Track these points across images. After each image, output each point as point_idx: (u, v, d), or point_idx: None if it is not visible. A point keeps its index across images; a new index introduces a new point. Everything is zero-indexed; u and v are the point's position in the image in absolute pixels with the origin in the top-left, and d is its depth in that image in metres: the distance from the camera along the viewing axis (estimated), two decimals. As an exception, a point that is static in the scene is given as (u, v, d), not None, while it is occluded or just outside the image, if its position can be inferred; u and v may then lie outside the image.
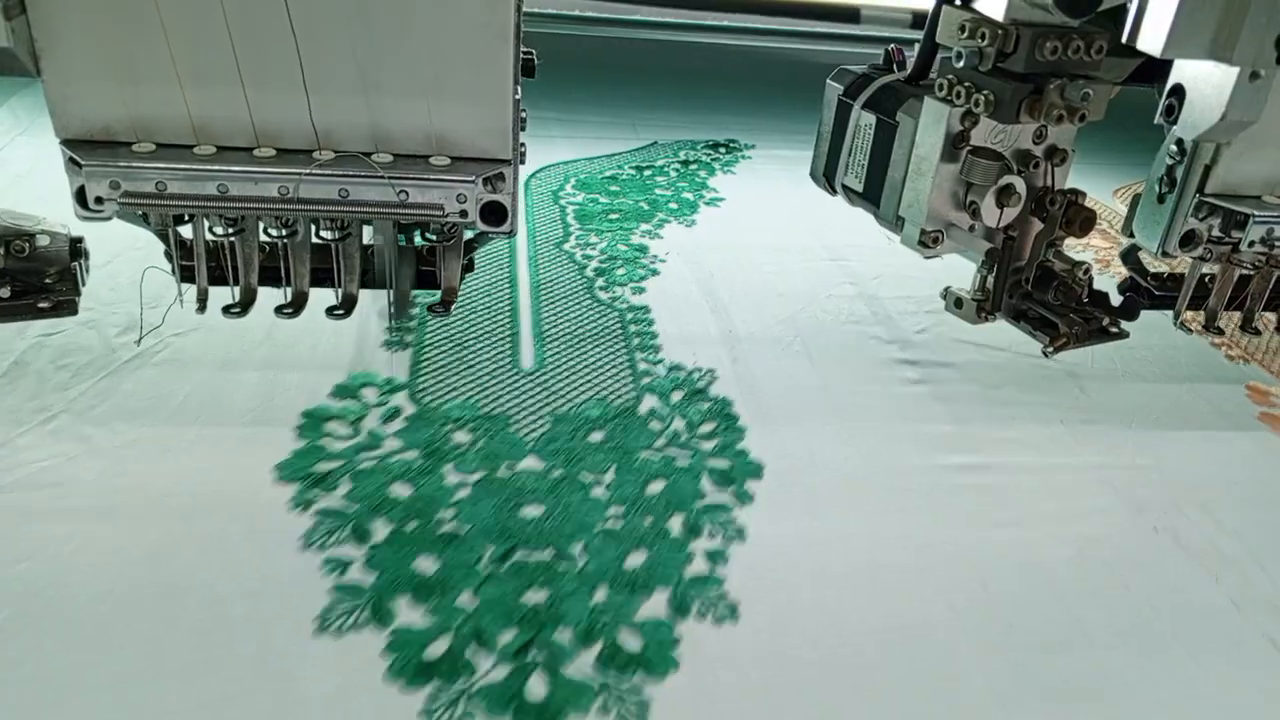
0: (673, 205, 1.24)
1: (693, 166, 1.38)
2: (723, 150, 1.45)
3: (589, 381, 0.85)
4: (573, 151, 1.40)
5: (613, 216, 1.19)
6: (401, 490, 0.69)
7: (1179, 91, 0.70)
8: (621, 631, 0.59)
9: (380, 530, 0.65)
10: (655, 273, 1.06)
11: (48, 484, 0.67)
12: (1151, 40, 0.64)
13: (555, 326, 0.93)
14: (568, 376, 0.85)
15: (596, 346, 0.90)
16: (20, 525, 0.63)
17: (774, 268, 1.10)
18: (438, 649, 0.56)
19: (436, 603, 0.59)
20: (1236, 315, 0.83)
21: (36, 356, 0.80)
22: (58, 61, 0.56)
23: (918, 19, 1.69)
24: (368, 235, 0.67)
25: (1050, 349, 0.72)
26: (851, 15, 1.77)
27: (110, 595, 0.58)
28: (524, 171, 1.31)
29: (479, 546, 0.64)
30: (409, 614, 0.58)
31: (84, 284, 0.70)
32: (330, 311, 0.66)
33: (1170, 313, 0.83)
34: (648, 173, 1.34)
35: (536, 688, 0.55)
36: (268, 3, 0.55)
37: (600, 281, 1.03)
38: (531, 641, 0.57)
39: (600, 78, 1.71)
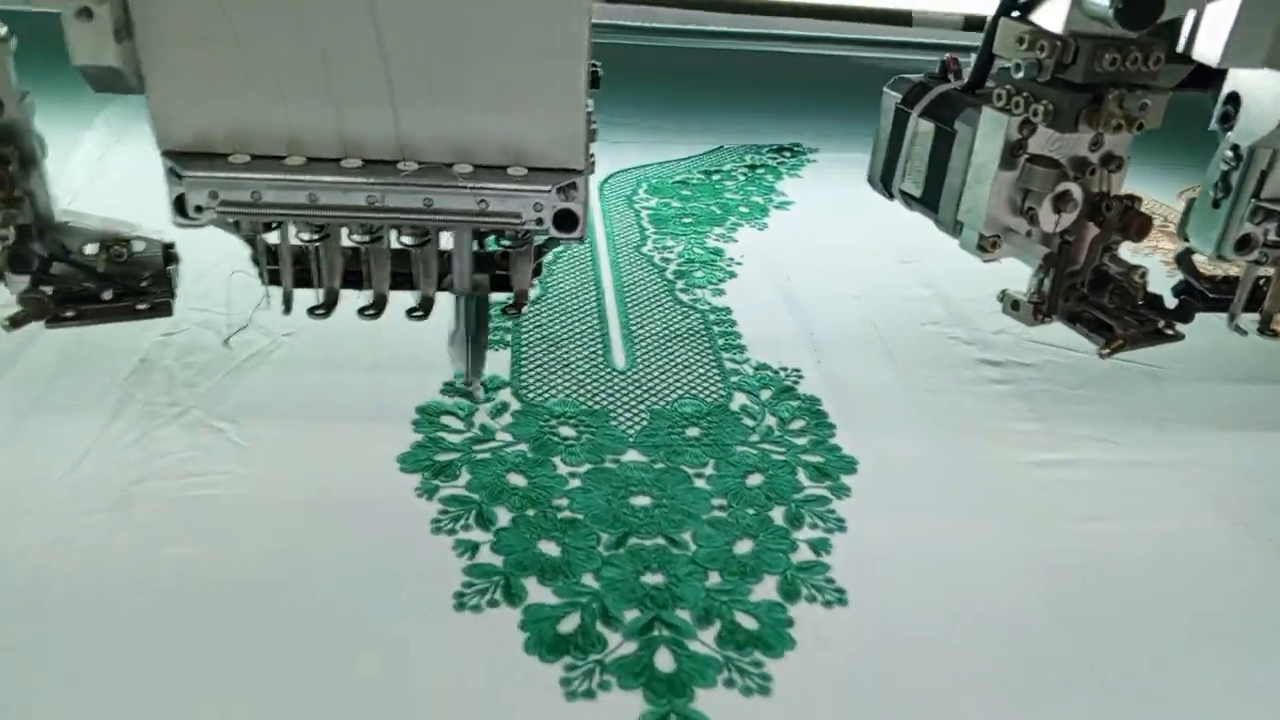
0: (743, 209, 1.27)
1: (759, 170, 1.41)
2: (788, 154, 1.48)
3: (680, 380, 0.88)
4: (641, 157, 1.43)
5: (686, 220, 1.22)
6: (517, 479, 0.73)
7: (1235, 99, 0.72)
8: (738, 612, 0.62)
9: (503, 516, 0.69)
10: (733, 275, 1.09)
11: (188, 473, 0.71)
12: (1208, 51, 0.65)
13: (643, 327, 0.97)
14: (659, 375, 0.89)
15: (684, 346, 0.94)
16: (167, 510, 0.68)
17: (847, 270, 1.12)
18: (569, 624, 0.60)
19: (562, 583, 0.63)
20: None
21: (162, 354, 0.85)
22: (161, 80, 0.59)
23: (969, 22, 1.71)
24: (444, 241, 0.70)
25: (1106, 351, 0.73)
26: (904, 20, 1.80)
27: (258, 581, 0.63)
28: (596, 177, 1.35)
29: (595, 532, 0.68)
30: (538, 593, 0.62)
31: (176, 287, 0.73)
32: (410, 313, 0.69)
33: (1225, 315, 0.84)
34: (716, 177, 1.37)
35: (664, 661, 0.58)
36: (356, 24, 0.58)
37: (680, 284, 1.06)
38: (655, 619, 0.61)
39: (663, 83, 1.74)
